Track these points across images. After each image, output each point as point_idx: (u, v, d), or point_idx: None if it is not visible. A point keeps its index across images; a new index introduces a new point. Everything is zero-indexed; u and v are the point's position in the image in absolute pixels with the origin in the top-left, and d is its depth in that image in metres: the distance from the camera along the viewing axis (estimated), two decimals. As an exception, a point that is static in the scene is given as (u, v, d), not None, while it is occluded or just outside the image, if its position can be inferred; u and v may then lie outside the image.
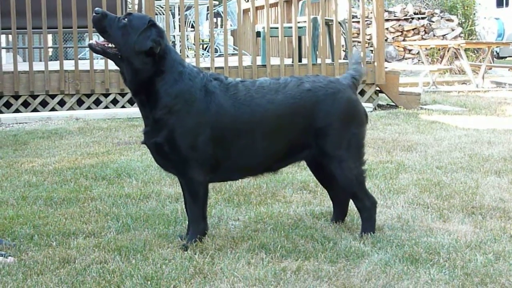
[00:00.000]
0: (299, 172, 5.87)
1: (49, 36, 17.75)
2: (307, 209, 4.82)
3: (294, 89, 4.14)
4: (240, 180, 5.51)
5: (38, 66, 10.36)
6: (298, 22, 10.64)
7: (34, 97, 9.93)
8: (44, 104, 9.97)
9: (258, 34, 10.83)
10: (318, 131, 4.12)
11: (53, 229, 4.42)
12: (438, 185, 5.43)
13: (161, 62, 4.02)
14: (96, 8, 4.11)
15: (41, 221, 4.60)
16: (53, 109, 9.94)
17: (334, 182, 4.29)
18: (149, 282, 3.49)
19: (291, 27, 10.61)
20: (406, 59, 19.54)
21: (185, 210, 4.32)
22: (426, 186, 5.40)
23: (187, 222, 4.29)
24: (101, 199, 5.17)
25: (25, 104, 9.91)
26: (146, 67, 4.00)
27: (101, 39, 4.10)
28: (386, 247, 3.96)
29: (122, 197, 5.21)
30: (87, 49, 10.64)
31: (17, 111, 9.84)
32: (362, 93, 10.64)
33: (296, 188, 5.44)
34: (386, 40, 19.25)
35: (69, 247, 4.04)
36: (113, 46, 4.02)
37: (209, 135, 4.01)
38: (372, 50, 12.19)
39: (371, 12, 11.45)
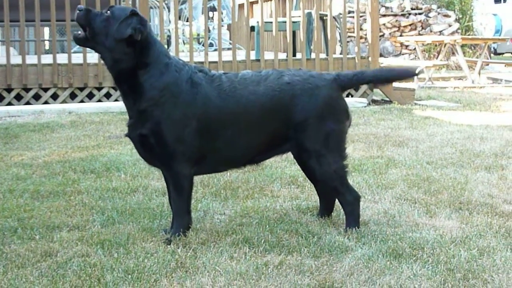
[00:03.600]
0: (289, 167, 5.85)
1: (46, 29, 17.72)
2: (294, 203, 4.80)
3: (274, 81, 4.13)
4: (228, 174, 5.51)
5: (31, 59, 10.33)
6: (293, 17, 10.61)
7: (27, 90, 9.89)
8: (37, 97, 9.94)
9: (252, 28, 10.80)
10: (296, 126, 4.11)
11: (37, 222, 4.39)
12: (427, 180, 5.41)
13: (144, 53, 4.00)
14: (79, 6, 4.09)
15: (26, 214, 4.57)
16: (46, 103, 9.91)
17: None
18: (130, 276, 3.46)
19: (285, 22, 10.58)
20: (402, 54, 19.53)
21: (169, 204, 4.30)
22: (415, 181, 5.38)
23: (172, 216, 4.26)
24: (88, 192, 5.15)
25: (18, 97, 9.88)
26: (127, 57, 3.97)
27: None
28: (370, 242, 3.94)
29: (109, 190, 5.19)
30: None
31: (9, 104, 9.81)
32: (356, 88, 10.61)
33: (284, 182, 5.42)
34: (383, 35, 19.26)
35: (52, 241, 4.02)
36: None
37: (196, 127, 3.99)
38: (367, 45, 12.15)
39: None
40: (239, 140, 4.11)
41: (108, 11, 4.01)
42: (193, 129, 3.99)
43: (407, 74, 4.74)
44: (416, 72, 4.48)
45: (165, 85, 4.00)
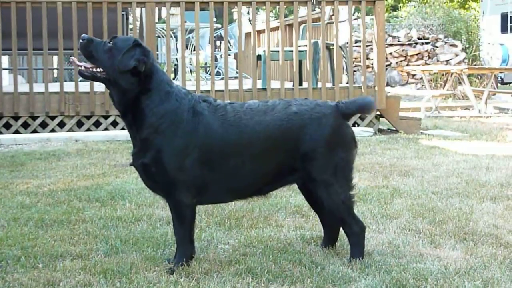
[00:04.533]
0: (294, 196, 5.84)
1: (55, 58, 17.83)
2: (298, 233, 4.79)
3: (281, 111, 4.12)
4: (232, 203, 5.50)
5: (39, 87, 10.38)
6: (299, 46, 10.66)
7: (34, 118, 9.95)
8: (44, 125, 9.98)
9: (259, 57, 10.84)
10: (304, 155, 4.09)
11: (41, 251, 4.39)
12: (432, 210, 5.40)
13: (147, 80, 4.02)
14: (83, 35, 4.12)
15: (30, 243, 4.57)
16: (52, 131, 9.95)
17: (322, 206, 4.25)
18: (132, 306, 3.46)
19: (292, 51, 10.63)
20: (409, 84, 19.56)
21: (173, 233, 4.29)
22: (420, 211, 5.36)
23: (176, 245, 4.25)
24: (92, 221, 5.15)
25: (25, 125, 9.93)
26: (132, 86, 4.00)
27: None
28: (374, 272, 3.91)
29: (114, 219, 5.19)
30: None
31: (16, 132, 9.85)
32: (363, 117, 10.62)
33: (289, 212, 5.40)
34: (389, 65, 19.31)
35: (55, 269, 4.01)
36: (102, 70, 4.02)
37: (197, 157, 3.99)
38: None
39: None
40: (244, 171, 4.09)
41: (111, 42, 4.04)
42: (194, 158, 3.98)
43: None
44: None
45: (164, 112, 4.01)
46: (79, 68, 4.10)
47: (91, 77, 4.10)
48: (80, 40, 4.08)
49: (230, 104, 4.16)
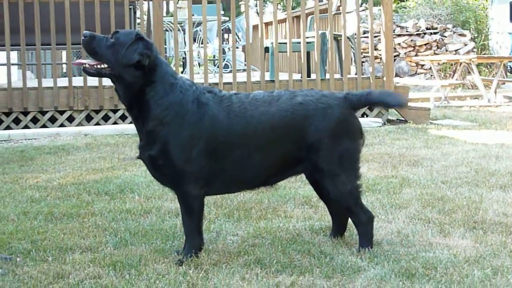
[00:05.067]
0: (302, 187, 5.83)
1: (64, 53, 17.85)
2: (307, 224, 4.79)
3: (287, 102, 4.11)
4: (241, 195, 5.51)
5: (47, 82, 10.41)
6: (307, 37, 10.64)
7: (43, 113, 9.97)
8: (53, 120, 10.01)
9: (266, 49, 10.83)
10: (310, 146, 4.09)
11: (50, 244, 4.41)
12: (442, 200, 5.38)
13: (151, 73, 4.03)
14: (84, 31, 4.12)
15: (40, 236, 4.59)
16: (62, 125, 9.97)
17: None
18: (141, 297, 3.47)
19: (299, 43, 10.61)
20: (418, 74, 19.50)
21: (182, 225, 4.30)
22: (429, 200, 5.35)
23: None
24: (102, 214, 5.16)
25: (34, 120, 9.96)
26: (137, 80, 4.01)
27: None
28: (383, 262, 3.91)
29: (123, 212, 5.20)
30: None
31: (26, 127, 9.88)
32: (371, 107, 10.59)
33: (297, 203, 5.40)
34: (398, 55, 19.26)
35: (64, 262, 4.03)
36: (106, 66, 4.02)
37: (203, 147, 3.99)
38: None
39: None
40: (250, 161, 4.09)
41: (113, 37, 4.04)
42: (201, 149, 3.99)
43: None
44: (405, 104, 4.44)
45: (169, 104, 4.01)
46: (84, 65, 4.10)
47: (96, 74, 4.12)
48: (82, 37, 4.08)
49: (235, 95, 4.16)
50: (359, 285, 3.57)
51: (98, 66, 4.06)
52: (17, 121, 9.93)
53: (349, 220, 4.38)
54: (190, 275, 3.75)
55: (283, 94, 4.17)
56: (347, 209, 4.21)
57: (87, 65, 4.07)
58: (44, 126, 9.95)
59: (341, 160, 4.11)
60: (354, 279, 3.68)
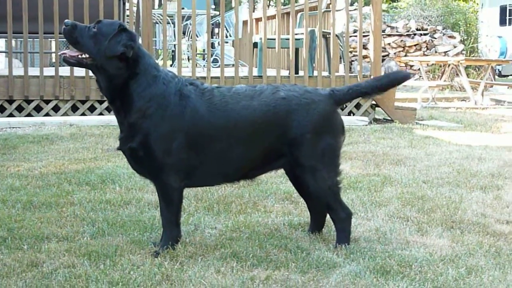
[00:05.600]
0: (284, 183, 5.82)
1: (53, 42, 17.78)
2: (286, 219, 4.78)
3: (269, 96, 4.10)
4: (222, 188, 5.50)
5: (33, 71, 10.36)
6: (296, 34, 10.63)
7: (29, 102, 9.92)
8: (38, 109, 9.96)
9: (255, 45, 10.82)
10: (291, 141, 4.08)
11: (27, 232, 4.39)
12: (422, 199, 5.39)
13: (134, 65, 4.00)
14: (66, 20, 4.06)
15: (17, 224, 4.57)
16: (47, 115, 9.93)
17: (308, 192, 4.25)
18: None
19: (288, 39, 10.60)
20: (407, 74, 19.52)
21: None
22: (409, 199, 5.36)
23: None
24: (81, 204, 5.14)
25: (19, 109, 9.91)
26: (120, 72, 3.99)
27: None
28: (359, 258, 3.91)
29: (102, 202, 5.18)
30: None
31: (11, 115, 9.83)
32: (358, 106, 10.62)
33: (278, 198, 5.40)
34: (387, 55, 19.29)
35: (39, 251, 4.01)
36: (87, 56, 3.99)
37: (184, 140, 3.97)
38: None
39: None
40: (230, 155, 4.08)
41: (95, 27, 4.01)
42: (181, 142, 3.97)
43: (402, 77, 4.41)
44: (410, 75, 4.42)
45: (152, 96, 3.99)
46: (64, 55, 4.06)
47: (77, 64, 4.06)
48: (64, 26, 4.02)
49: (217, 88, 4.15)
50: (333, 281, 3.57)
51: (80, 56, 4.03)
52: (1, 109, 9.88)
53: (328, 216, 4.38)
54: (165, 267, 3.74)
55: (265, 89, 4.16)
56: (326, 205, 4.20)
57: (67, 55, 4.03)
58: (29, 115, 9.90)
59: (323, 156, 4.10)
60: (329, 274, 3.68)
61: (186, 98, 4.01)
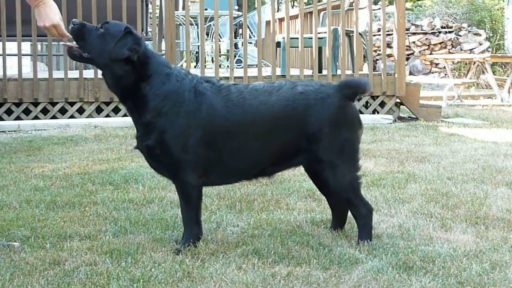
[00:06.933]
0: (307, 180, 5.77)
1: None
2: (308, 216, 4.76)
3: (287, 91, 4.08)
4: (245, 186, 5.49)
5: (58, 73, 10.43)
6: (319, 33, 10.60)
7: (53, 104, 9.99)
8: (63, 111, 10.03)
9: (278, 44, 10.80)
10: (310, 136, 4.05)
11: (50, 231, 4.40)
12: (446, 195, 5.34)
13: (144, 67, 4.01)
14: (73, 20, 4.07)
15: (40, 224, 4.59)
16: (72, 117, 9.99)
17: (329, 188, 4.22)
18: (135, 285, 3.45)
19: (311, 38, 10.57)
20: (432, 72, 19.42)
21: (182, 214, 4.29)
22: (433, 196, 5.31)
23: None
24: (104, 203, 5.16)
25: (44, 111, 9.98)
26: (127, 73, 3.99)
27: None
28: (381, 254, 3.88)
29: (125, 202, 5.20)
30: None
31: (36, 118, 9.91)
32: (382, 105, 10.57)
33: (301, 196, 5.38)
34: (412, 53, 19.18)
35: (61, 249, 4.02)
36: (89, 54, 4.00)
37: (201, 137, 3.97)
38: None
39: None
40: (248, 151, 4.06)
41: (102, 27, 4.01)
42: (198, 138, 3.96)
43: None
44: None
45: (167, 93, 3.99)
46: (68, 48, 4.05)
47: (79, 56, 4.03)
48: (71, 25, 4.03)
49: (234, 85, 4.13)
50: (355, 277, 3.54)
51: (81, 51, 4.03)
52: (27, 111, 9.96)
53: (349, 212, 4.35)
54: (187, 264, 3.73)
55: (283, 84, 4.14)
56: (346, 200, 4.17)
57: (74, 47, 4.03)
58: (54, 117, 9.97)
59: (341, 151, 4.07)
60: (351, 270, 3.65)
61: (201, 94, 4.00)
